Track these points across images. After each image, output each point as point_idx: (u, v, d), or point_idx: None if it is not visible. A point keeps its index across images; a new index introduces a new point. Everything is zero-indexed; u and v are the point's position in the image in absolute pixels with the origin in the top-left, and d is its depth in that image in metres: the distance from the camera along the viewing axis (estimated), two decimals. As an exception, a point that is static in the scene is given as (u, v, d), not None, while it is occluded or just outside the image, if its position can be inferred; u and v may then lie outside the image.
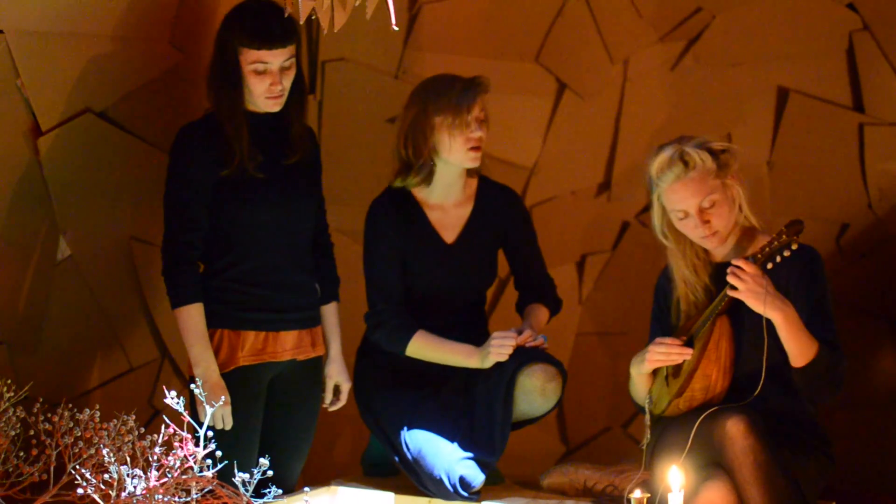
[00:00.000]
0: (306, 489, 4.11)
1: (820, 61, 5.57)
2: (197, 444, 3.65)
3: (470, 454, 4.62)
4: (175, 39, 4.80)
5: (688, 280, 4.51)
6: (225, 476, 3.73)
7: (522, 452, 5.10)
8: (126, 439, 3.70)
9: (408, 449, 4.68)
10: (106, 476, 3.61)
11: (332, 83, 5.38)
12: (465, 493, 4.60)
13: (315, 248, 4.77)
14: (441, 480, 4.60)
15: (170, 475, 3.63)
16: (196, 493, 3.66)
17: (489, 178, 4.91)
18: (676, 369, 4.45)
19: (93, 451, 3.69)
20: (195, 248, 4.54)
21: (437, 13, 5.50)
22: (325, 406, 4.81)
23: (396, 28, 3.67)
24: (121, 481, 3.60)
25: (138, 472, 3.62)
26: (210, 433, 3.68)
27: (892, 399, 5.51)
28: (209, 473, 3.67)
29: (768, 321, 4.30)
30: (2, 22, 4.32)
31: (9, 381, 3.83)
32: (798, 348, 4.30)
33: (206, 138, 4.53)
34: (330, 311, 4.80)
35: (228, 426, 4.48)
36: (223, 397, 4.45)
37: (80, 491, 3.63)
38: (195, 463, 3.64)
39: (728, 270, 4.31)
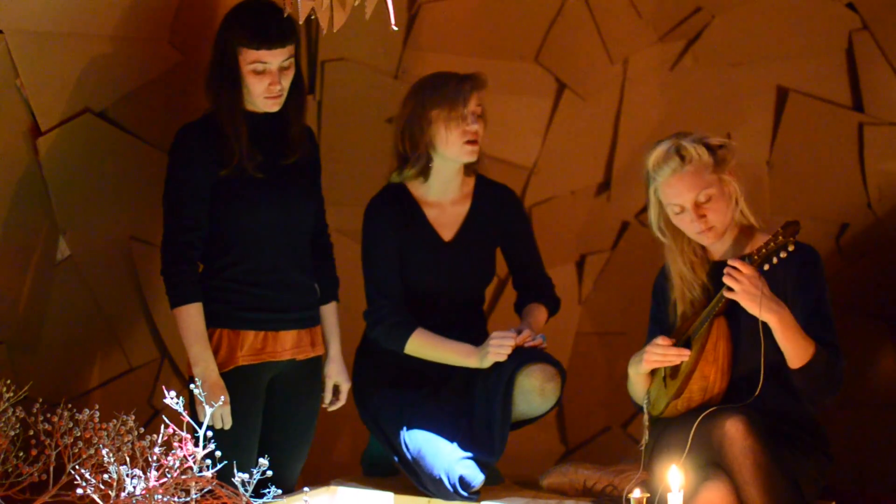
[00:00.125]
0: (306, 489, 4.12)
1: (819, 61, 5.57)
2: (196, 445, 3.65)
3: (469, 454, 4.62)
4: (175, 40, 4.80)
5: (685, 277, 4.51)
6: (224, 476, 3.73)
7: (522, 452, 5.10)
8: (125, 439, 3.70)
9: (407, 449, 4.68)
10: (105, 476, 3.61)
11: (331, 83, 5.38)
12: (465, 493, 4.60)
13: (314, 248, 4.77)
14: (441, 480, 4.60)
15: (169, 475, 3.63)
16: (195, 494, 3.66)
17: (487, 177, 4.92)
18: (674, 370, 4.45)
19: (92, 451, 3.69)
20: (194, 247, 4.54)
21: (437, 13, 5.50)
22: (324, 406, 4.81)
23: (396, 28, 3.67)
24: (120, 481, 3.60)
25: (138, 472, 3.62)
26: (209, 433, 3.68)
27: (892, 399, 5.51)
28: (208, 474, 3.67)
29: (765, 323, 4.30)
30: (1, 22, 4.32)
31: (8, 382, 3.83)
32: (794, 350, 4.30)
33: (205, 138, 4.53)
34: (329, 312, 4.80)
35: (228, 426, 4.48)
36: (222, 397, 4.45)
37: (79, 491, 3.63)
38: (194, 463, 3.64)
39: (724, 272, 4.30)
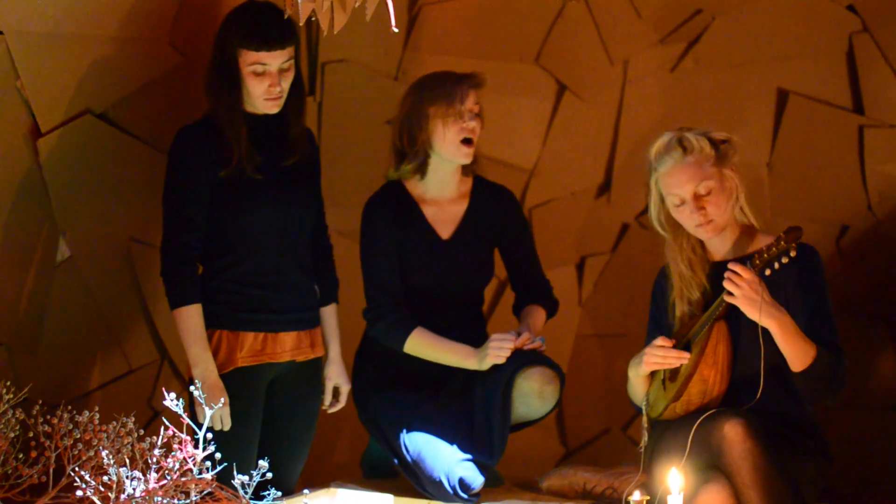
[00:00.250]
0: (305, 491, 4.12)
1: (820, 63, 5.57)
2: (196, 447, 3.65)
3: (469, 456, 4.62)
4: (175, 41, 4.80)
5: (683, 276, 4.50)
6: (224, 477, 3.72)
7: (522, 454, 5.10)
8: (125, 441, 3.70)
9: (407, 451, 4.68)
10: (105, 478, 3.61)
11: (332, 84, 5.38)
12: (465, 495, 4.60)
13: (314, 249, 4.77)
14: (440, 482, 4.60)
15: (169, 477, 3.63)
16: (195, 496, 3.66)
17: (484, 178, 4.92)
18: (674, 373, 4.45)
19: (92, 453, 3.69)
20: (194, 248, 4.54)
21: (437, 14, 5.49)
22: (324, 408, 4.81)
23: (396, 30, 3.67)
24: (120, 483, 3.60)
25: (137, 474, 3.62)
26: (209, 435, 3.68)
27: (892, 401, 5.51)
28: (208, 476, 3.67)
29: (765, 328, 4.30)
30: (1, 23, 4.32)
31: (8, 383, 3.83)
32: (795, 354, 4.30)
33: (205, 139, 4.53)
34: (329, 313, 4.80)
35: (227, 427, 4.48)
36: (222, 398, 4.45)
37: (79, 493, 3.63)
38: (194, 465, 3.64)
39: (725, 275, 4.30)
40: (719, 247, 4.51)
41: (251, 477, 3.65)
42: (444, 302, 4.83)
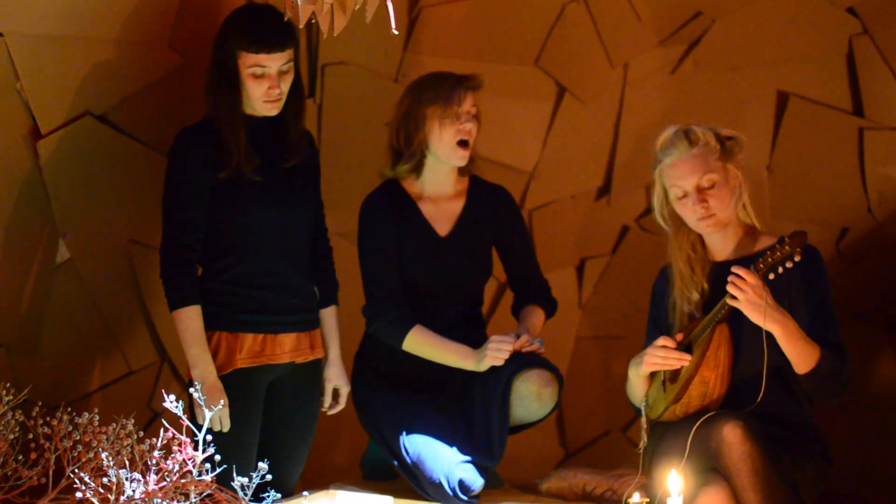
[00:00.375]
0: (305, 493, 4.12)
1: (820, 65, 5.57)
2: (196, 448, 3.65)
3: (469, 458, 4.62)
4: (175, 43, 4.80)
5: (684, 275, 4.49)
6: (223, 479, 3.72)
7: (521, 456, 5.10)
8: (125, 443, 3.70)
9: (407, 453, 4.68)
10: (105, 480, 3.61)
11: (331, 87, 5.38)
12: (465, 497, 4.60)
13: (314, 251, 4.77)
14: (440, 484, 4.60)
15: (168, 479, 3.63)
16: (195, 497, 3.66)
17: (480, 178, 4.93)
18: (674, 375, 4.45)
19: (92, 454, 3.68)
20: (193, 250, 4.54)
21: (437, 17, 5.50)
22: (324, 410, 4.81)
23: (396, 32, 3.67)
24: (119, 485, 3.60)
25: (137, 475, 3.62)
26: (209, 436, 3.68)
27: (891, 402, 5.51)
28: (208, 477, 3.67)
29: (770, 334, 4.29)
30: (2, 25, 4.33)
31: (8, 385, 3.83)
32: (799, 357, 4.30)
33: (204, 141, 4.53)
34: (329, 315, 4.80)
35: (226, 428, 4.48)
36: (221, 400, 4.45)
37: (78, 494, 3.63)
38: (194, 467, 3.64)
39: (728, 279, 4.29)
40: (721, 246, 4.50)
41: (251, 478, 3.65)
42: (443, 300, 4.83)
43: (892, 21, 5.49)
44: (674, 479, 3.87)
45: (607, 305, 5.78)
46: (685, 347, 4.45)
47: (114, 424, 3.72)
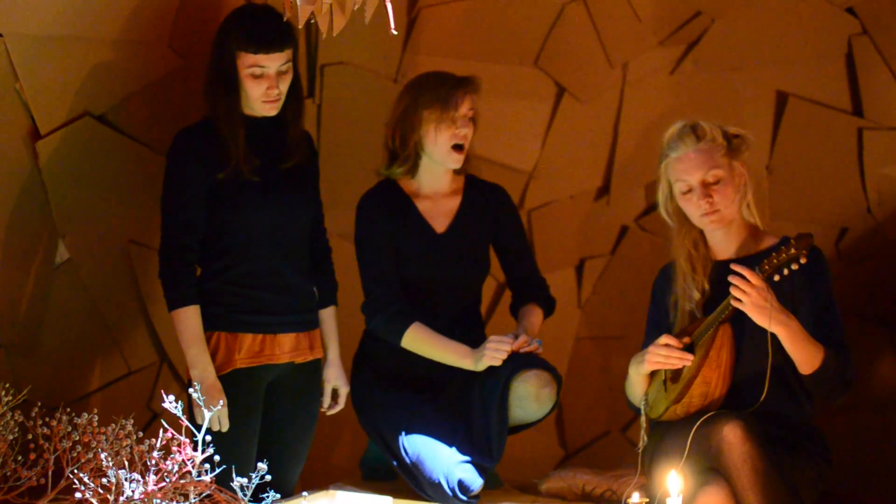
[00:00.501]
0: (305, 493, 4.12)
1: (819, 65, 5.57)
2: (195, 449, 3.65)
3: (468, 458, 4.62)
4: (174, 44, 4.80)
5: (685, 274, 4.49)
6: (223, 479, 3.72)
7: (521, 456, 5.10)
8: (124, 443, 3.70)
9: (406, 453, 4.68)
10: (104, 480, 3.61)
11: (331, 87, 5.38)
12: (464, 497, 4.60)
13: (313, 252, 4.77)
14: (440, 484, 4.60)
15: (168, 479, 3.63)
16: (194, 498, 3.66)
17: (477, 177, 4.93)
18: (676, 374, 4.45)
19: (91, 455, 3.68)
20: (192, 250, 4.54)
21: (437, 17, 5.50)
22: (323, 410, 4.81)
23: (395, 32, 3.66)
24: (119, 485, 3.60)
25: (136, 476, 3.62)
26: (208, 437, 3.68)
27: (891, 403, 5.51)
28: (207, 478, 3.67)
29: (772, 333, 4.29)
30: (1, 25, 4.32)
31: (7, 385, 3.83)
32: (804, 358, 4.30)
33: (203, 142, 4.53)
34: (328, 315, 4.80)
35: (225, 428, 4.48)
36: (221, 400, 4.45)
37: (78, 495, 3.63)
38: (193, 467, 3.64)
39: (732, 280, 4.28)
40: (725, 245, 4.50)
41: (250, 479, 3.65)
42: (441, 296, 4.83)
43: (891, 21, 5.49)
44: (673, 479, 3.87)
45: (606, 305, 5.78)
46: (687, 347, 4.44)
47: (113, 425, 3.72)
